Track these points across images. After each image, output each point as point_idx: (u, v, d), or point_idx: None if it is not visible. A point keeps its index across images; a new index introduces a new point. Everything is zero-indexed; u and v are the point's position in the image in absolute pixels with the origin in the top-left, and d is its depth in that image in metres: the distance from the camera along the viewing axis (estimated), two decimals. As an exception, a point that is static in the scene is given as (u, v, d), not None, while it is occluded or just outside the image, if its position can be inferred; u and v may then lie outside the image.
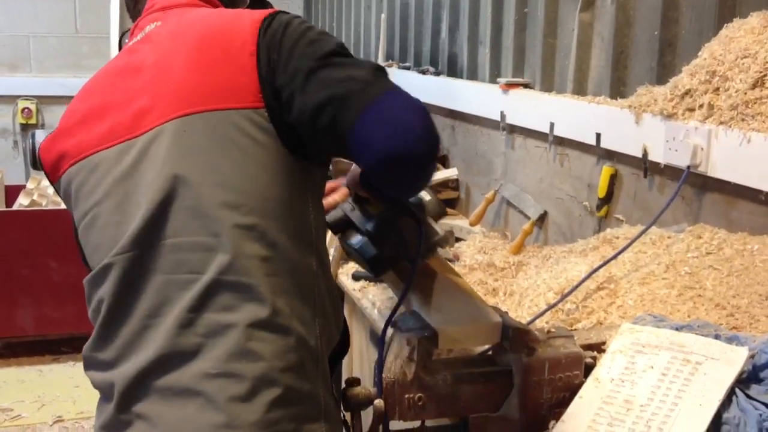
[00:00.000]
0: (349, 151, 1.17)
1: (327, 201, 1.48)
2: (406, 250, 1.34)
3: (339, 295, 1.41)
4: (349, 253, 1.41)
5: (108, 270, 1.24)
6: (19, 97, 5.24)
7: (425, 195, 1.42)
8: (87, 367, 1.29)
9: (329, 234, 1.44)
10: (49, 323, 4.02)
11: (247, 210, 1.20)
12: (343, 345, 1.39)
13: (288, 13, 1.29)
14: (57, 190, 1.38)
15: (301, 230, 1.25)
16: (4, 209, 4.25)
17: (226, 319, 1.18)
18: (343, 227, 1.41)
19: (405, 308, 1.36)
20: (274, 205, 1.22)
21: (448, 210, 2.92)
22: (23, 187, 4.35)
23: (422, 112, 1.15)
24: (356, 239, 1.37)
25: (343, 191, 1.49)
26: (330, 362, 1.31)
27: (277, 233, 1.21)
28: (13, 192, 4.39)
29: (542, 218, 2.38)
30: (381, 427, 1.26)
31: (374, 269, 1.36)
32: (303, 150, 1.25)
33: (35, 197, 4.15)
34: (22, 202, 4.16)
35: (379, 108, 1.13)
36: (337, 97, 1.15)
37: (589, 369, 1.29)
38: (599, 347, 1.37)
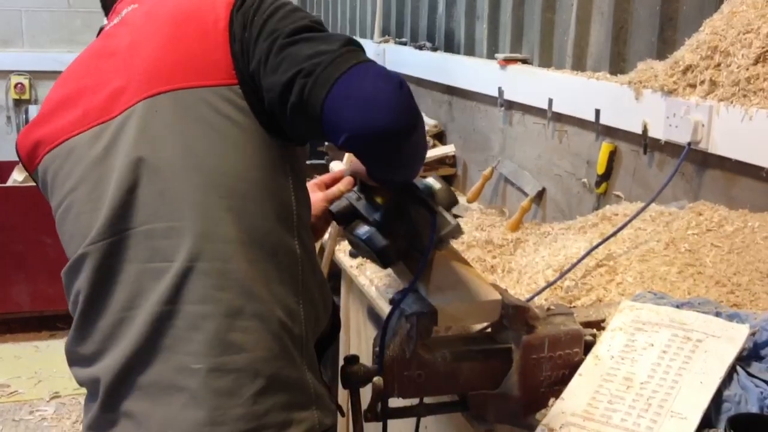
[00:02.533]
0: (321, 129, 1.12)
1: (331, 191, 1.45)
2: (417, 241, 1.27)
3: (328, 278, 1.36)
4: (355, 245, 1.34)
5: (83, 260, 1.20)
6: (11, 72, 5.20)
7: (435, 183, 1.35)
8: (70, 364, 1.26)
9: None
10: (45, 299, 4.01)
11: (223, 192, 1.16)
12: (332, 328, 1.36)
13: None
14: (35, 181, 1.32)
15: (281, 212, 1.20)
16: (-1, 185, 4.23)
17: (202, 311, 1.13)
18: (349, 218, 1.34)
19: (404, 285, 1.35)
20: (251, 186, 1.17)
21: (445, 187, 2.91)
22: (17, 162, 4.32)
23: (396, 84, 1.09)
24: (363, 230, 1.29)
25: (348, 180, 1.43)
26: (319, 346, 1.28)
27: (255, 216, 1.17)
28: (7, 168, 4.36)
29: (540, 195, 2.37)
30: (380, 404, 1.26)
31: (384, 261, 1.29)
32: (279, 129, 1.19)
33: (30, 174, 4.11)
34: (16, 177, 4.13)
35: (349, 82, 1.08)
36: (304, 74, 1.10)
37: (588, 346, 1.28)
38: (599, 324, 1.37)
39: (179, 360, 1.13)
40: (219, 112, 1.17)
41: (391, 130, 1.07)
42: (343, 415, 1.32)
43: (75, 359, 1.24)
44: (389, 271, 1.61)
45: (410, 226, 1.27)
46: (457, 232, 1.31)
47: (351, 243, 1.36)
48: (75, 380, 1.25)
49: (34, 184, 1.32)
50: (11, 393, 3.54)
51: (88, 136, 1.22)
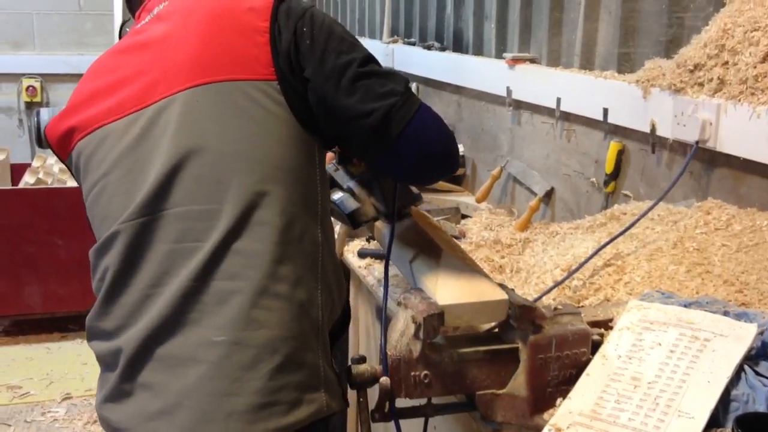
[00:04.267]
0: (381, 156, 1.30)
1: None
2: (384, 206, 1.49)
3: (343, 271, 1.43)
4: (331, 210, 1.49)
5: (114, 238, 1.25)
6: (23, 75, 5.23)
7: None
8: (90, 338, 1.31)
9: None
10: (56, 301, 4.03)
11: (258, 178, 1.22)
12: (343, 320, 1.40)
13: None
14: (68, 167, 1.39)
15: (308, 201, 1.28)
16: (10, 187, 4.25)
17: (231, 287, 1.19)
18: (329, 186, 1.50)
19: (411, 285, 1.36)
20: (284, 174, 1.25)
21: (455, 187, 2.91)
22: (29, 165, 4.35)
23: (444, 124, 1.35)
24: (338, 195, 1.47)
25: (330, 156, 1.55)
26: (330, 337, 1.31)
27: (286, 201, 1.24)
28: (18, 170, 4.38)
29: (549, 195, 2.37)
30: (387, 404, 1.26)
31: (353, 222, 1.48)
32: (314, 126, 1.28)
33: (41, 175, 4.14)
34: (27, 180, 4.15)
35: (417, 125, 1.28)
36: (382, 110, 1.25)
37: (596, 346, 1.28)
38: (606, 324, 1.36)
39: (202, 333, 1.18)
40: (257, 102, 1.24)
41: (446, 164, 1.39)
42: (347, 405, 1.34)
43: (95, 333, 1.29)
44: (396, 270, 1.63)
45: (378, 193, 1.49)
46: (418, 199, 1.58)
47: (330, 209, 1.50)
48: (94, 354, 1.30)
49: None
50: (23, 394, 3.55)
51: (123, 123, 1.28)
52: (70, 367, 3.80)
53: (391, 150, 1.28)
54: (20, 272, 3.97)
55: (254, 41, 1.26)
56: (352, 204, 1.47)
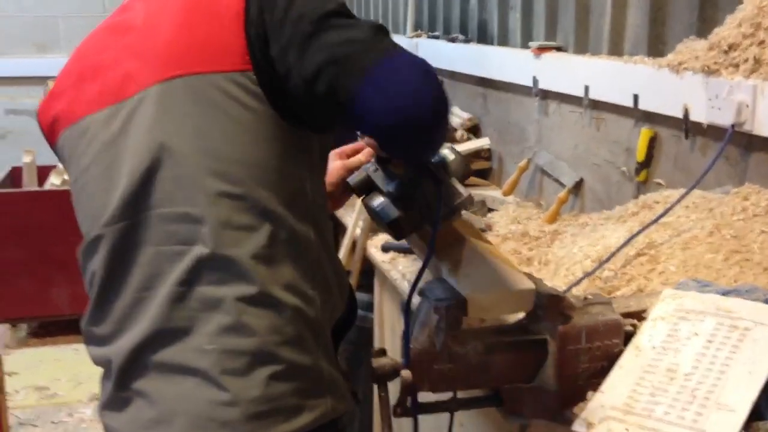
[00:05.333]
0: (350, 118, 1.11)
1: (351, 161, 1.47)
2: (429, 213, 1.28)
3: (343, 266, 1.36)
4: (372, 216, 1.37)
5: (98, 242, 1.20)
6: (49, 78, 5.23)
7: (449, 154, 1.34)
8: (86, 342, 1.27)
9: (358, 204, 1.40)
10: (84, 302, 3.95)
11: (236, 179, 1.15)
12: (349, 315, 1.34)
13: None
14: (57, 156, 1.33)
15: (296, 199, 1.19)
16: (37, 189, 4.26)
17: (217, 293, 1.13)
18: (367, 189, 1.36)
19: (433, 275, 1.30)
20: (264, 173, 1.16)
21: (481, 181, 2.85)
22: (54, 167, 4.36)
23: (426, 73, 1.09)
24: (378, 201, 1.31)
25: (368, 152, 1.44)
26: (336, 333, 1.26)
27: (270, 202, 1.16)
28: (45, 172, 4.39)
29: (578, 186, 2.30)
30: (409, 399, 1.21)
31: (395, 232, 1.32)
32: (296, 116, 1.18)
33: (66, 176, 4.13)
34: (53, 181, 4.16)
35: (381, 72, 1.07)
36: (335, 62, 1.09)
37: (629, 337, 1.22)
38: (639, 315, 1.30)
39: (193, 341, 1.14)
40: (232, 97, 1.15)
41: (426, 120, 1.08)
42: (359, 402, 1.29)
43: (90, 338, 1.26)
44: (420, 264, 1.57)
45: (423, 199, 1.28)
46: (468, 203, 1.32)
47: (369, 213, 1.37)
48: (91, 359, 1.26)
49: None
50: (51, 395, 3.56)
51: (102, 116, 1.22)
52: (97, 368, 3.77)
53: (353, 109, 1.08)
54: (48, 274, 3.98)
55: (229, 28, 1.16)
56: (392, 212, 1.29)
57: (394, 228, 1.30)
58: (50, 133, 1.30)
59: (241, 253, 1.13)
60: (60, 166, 4.34)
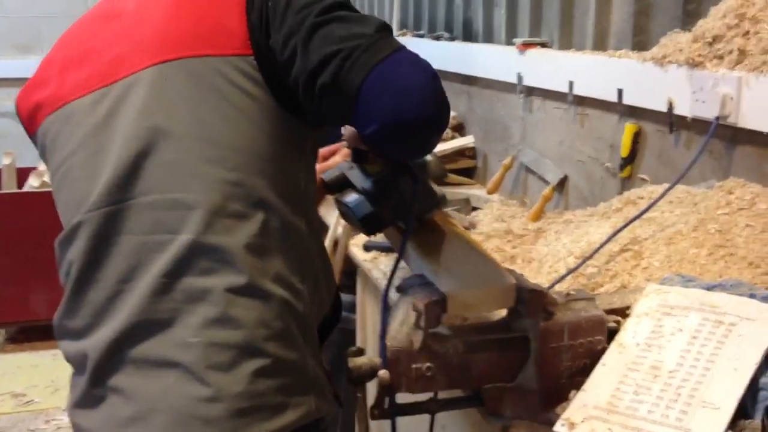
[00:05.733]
0: (351, 113, 1.08)
1: (327, 164, 1.43)
2: (404, 211, 1.28)
3: (340, 272, 1.34)
4: (344, 214, 1.35)
5: (78, 229, 1.15)
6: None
7: (427, 156, 1.33)
8: (58, 337, 1.22)
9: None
10: (65, 307, 3.95)
11: (233, 165, 1.12)
12: (334, 315, 1.31)
13: None
14: (35, 144, 1.29)
15: (290, 190, 1.17)
16: (17, 191, 4.20)
17: (204, 284, 1.09)
18: (340, 187, 1.34)
19: (413, 272, 1.27)
20: (262, 161, 1.13)
21: (466, 179, 2.82)
22: (34, 168, 4.30)
23: (430, 74, 1.09)
24: (351, 198, 1.30)
25: (345, 152, 1.42)
26: (320, 332, 1.22)
27: (265, 191, 1.13)
28: (25, 175, 4.34)
29: (562, 183, 2.27)
30: (387, 400, 1.17)
31: (367, 228, 1.31)
32: (296, 106, 1.16)
33: (46, 178, 4.08)
34: (32, 183, 4.10)
35: (386, 69, 1.06)
36: (340, 56, 1.06)
37: (612, 334, 1.19)
38: (623, 312, 1.27)
39: (176, 334, 1.09)
40: (232, 83, 1.13)
41: (426, 120, 1.07)
42: (341, 405, 1.25)
43: (63, 332, 1.20)
44: (403, 264, 1.54)
45: (398, 196, 1.28)
46: (442, 202, 1.34)
47: (340, 212, 1.36)
48: (63, 355, 1.21)
49: (51, 190, 1.27)
50: (27, 402, 3.49)
51: (88, 101, 1.18)
52: (78, 373, 3.73)
53: (357, 103, 1.06)
54: (26, 278, 3.91)
55: (230, 12, 1.15)
56: (365, 208, 1.28)
57: (367, 224, 1.29)
58: (30, 120, 1.26)
59: (231, 241, 1.10)
60: (41, 167, 4.29)
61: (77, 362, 1.18)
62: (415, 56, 1.10)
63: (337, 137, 1.43)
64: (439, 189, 1.34)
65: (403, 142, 1.10)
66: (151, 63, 1.15)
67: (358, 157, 1.34)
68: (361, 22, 1.10)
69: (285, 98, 1.15)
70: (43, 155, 1.26)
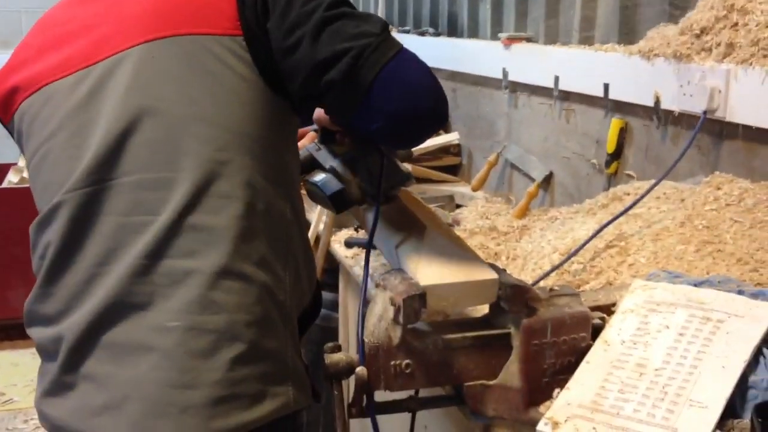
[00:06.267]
0: (355, 109, 1.12)
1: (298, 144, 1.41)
2: (371, 188, 1.31)
3: (320, 268, 1.32)
4: (312, 194, 1.36)
5: (57, 210, 1.12)
6: (11, 74, 5.13)
7: None
8: (29, 324, 1.18)
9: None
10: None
11: (222, 144, 1.10)
12: (314, 308, 1.28)
13: None
14: (10, 132, 1.25)
15: (277, 172, 1.16)
16: (-6, 187, 4.14)
17: (187, 266, 1.07)
18: (308, 167, 1.36)
19: (392, 266, 1.24)
20: (249, 141, 1.12)
21: (450, 177, 2.79)
22: (14, 164, 4.24)
23: (429, 72, 1.15)
24: (319, 176, 1.32)
25: (311, 135, 1.44)
26: (300, 325, 1.19)
27: (251, 172, 1.11)
28: (4, 171, 4.28)
29: (548, 180, 2.25)
30: (365, 398, 1.13)
31: (336, 205, 1.33)
32: (284, 89, 1.15)
33: (25, 174, 4.02)
34: (11, 179, 4.04)
35: (394, 70, 1.11)
36: (351, 54, 1.09)
37: (597, 331, 1.16)
38: (609, 309, 1.24)
39: (154, 317, 1.06)
40: (222, 61, 1.12)
41: (432, 115, 1.14)
42: (319, 401, 1.22)
43: (35, 319, 1.16)
44: (384, 260, 1.51)
45: (364, 173, 1.31)
46: (408, 179, 1.37)
47: (308, 192, 1.36)
48: (34, 343, 1.16)
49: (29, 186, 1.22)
50: (6, 401, 3.43)
51: (69, 81, 1.15)
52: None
53: (367, 100, 1.11)
54: (6, 275, 3.86)
55: None
56: (334, 185, 1.31)
57: (336, 201, 1.31)
58: (6, 105, 1.22)
59: (217, 222, 1.08)
60: (20, 163, 4.22)
61: (49, 348, 1.14)
62: (415, 55, 1.15)
63: (303, 122, 1.44)
64: (404, 166, 1.38)
65: (407, 136, 1.18)
66: (138, 41, 1.13)
67: (326, 138, 1.37)
68: (367, 21, 1.13)
69: (273, 79, 1.15)
70: (20, 141, 1.23)
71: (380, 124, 1.12)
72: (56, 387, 1.11)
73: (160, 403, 1.04)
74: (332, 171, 1.32)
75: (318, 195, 1.34)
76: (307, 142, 1.42)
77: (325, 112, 1.25)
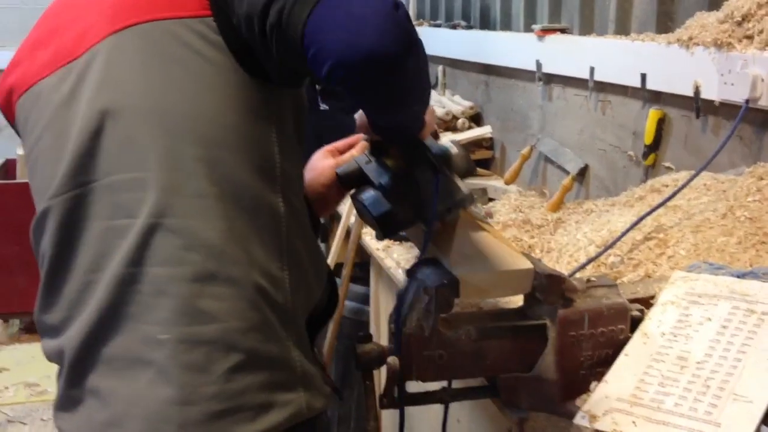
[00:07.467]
0: (304, 57, 0.95)
1: (343, 158, 1.32)
2: (423, 210, 1.15)
3: (319, 246, 1.23)
4: (359, 211, 1.24)
5: (46, 216, 1.08)
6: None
7: (452, 147, 1.22)
8: (40, 334, 1.14)
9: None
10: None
11: (193, 139, 1.02)
12: (329, 304, 1.21)
13: None
14: (17, 133, 1.20)
15: (261, 164, 1.06)
16: (16, 181, 4.14)
17: (169, 273, 1.00)
18: (356, 181, 1.23)
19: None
20: (226, 133, 1.03)
21: (483, 171, 2.76)
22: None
23: (388, 3, 0.93)
24: (367, 194, 1.18)
25: (362, 145, 1.30)
26: (313, 322, 1.14)
27: (232, 166, 1.03)
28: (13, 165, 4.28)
29: (583, 172, 2.21)
30: (397, 388, 1.11)
31: (384, 229, 1.19)
32: (262, 69, 1.05)
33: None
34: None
35: (334, 1, 0.93)
36: None
37: (635, 323, 1.13)
38: (647, 302, 1.20)
39: (145, 330, 1.01)
40: (189, 47, 1.03)
41: (381, 52, 0.90)
42: (340, 398, 1.17)
43: (43, 330, 1.13)
44: (417, 251, 1.48)
45: (418, 193, 1.15)
46: (469, 201, 1.19)
47: (357, 209, 1.25)
48: (45, 356, 1.13)
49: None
50: (40, 392, 3.46)
51: (54, 79, 1.10)
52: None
53: (307, 43, 0.93)
54: (37, 269, 3.88)
55: None
56: (382, 205, 1.16)
57: (383, 223, 1.17)
58: (7, 107, 1.19)
59: (194, 225, 1.01)
60: (19, 152, 4.22)
61: (55, 361, 1.11)
62: None
63: (351, 129, 1.35)
64: (464, 186, 1.20)
65: (363, 83, 0.94)
66: (108, 32, 1.06)
67: (376, 150, 1.23)
68: None
69: (250, 61, 1.04)
70: (22, 143, 1.18)
71: (327, 67, 0.92)
72: (65, 401, 1.08)
73: (158, 421, 1.00)
74: (381, 188, 1.18)
75: (365, 214, 1.22)
76: (357, 153, 1.30)
77: (285, 77, 1.08)
